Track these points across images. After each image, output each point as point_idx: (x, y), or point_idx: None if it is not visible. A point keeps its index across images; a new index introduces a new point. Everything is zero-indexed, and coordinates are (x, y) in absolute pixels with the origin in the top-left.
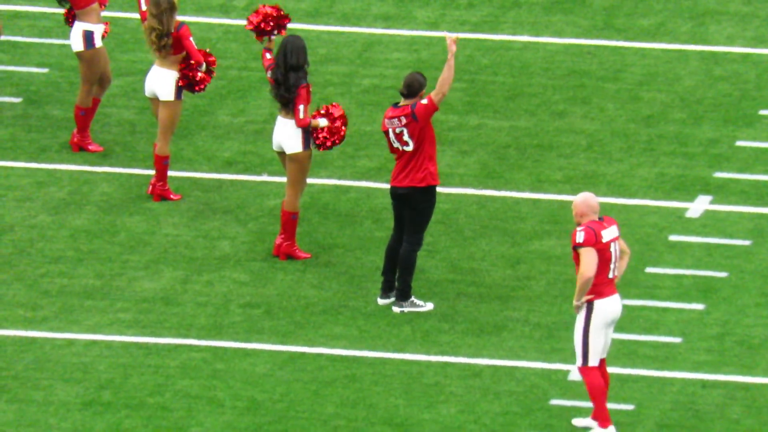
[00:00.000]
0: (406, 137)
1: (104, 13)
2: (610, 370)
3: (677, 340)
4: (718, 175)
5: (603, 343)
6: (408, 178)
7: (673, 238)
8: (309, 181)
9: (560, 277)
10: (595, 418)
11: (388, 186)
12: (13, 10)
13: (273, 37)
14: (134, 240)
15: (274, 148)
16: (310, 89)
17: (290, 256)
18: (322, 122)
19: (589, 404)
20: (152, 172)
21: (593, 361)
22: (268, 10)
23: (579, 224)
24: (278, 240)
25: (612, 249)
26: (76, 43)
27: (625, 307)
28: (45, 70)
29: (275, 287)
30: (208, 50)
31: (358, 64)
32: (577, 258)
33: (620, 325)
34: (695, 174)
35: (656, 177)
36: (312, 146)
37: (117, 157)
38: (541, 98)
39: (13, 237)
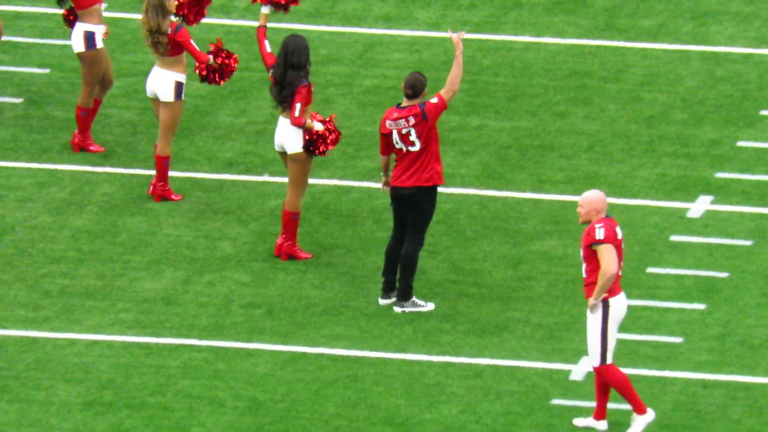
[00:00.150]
0: (413, 137)
1: (105, 14)
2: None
3: (678, 340)
4: (720, 175)
5: (615, 340)
6: (413, 178)
7: (674, 238)
8: (310, 181)
9: (561, 277)
10: (635, 409)
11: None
12: (14, 11)
13: (266, 11)
14: (135, 240)
15: (276, 148)
16: (312, 89)
17: (291, 257)
18: (317, 126)
19: (591, 404)
20: (153, 172)
21: (610, 359)
22: None
23: (589, 221)
24: (279, 240)
25: (622, 246)
26: (77, 44)
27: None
28: (46, 71)
29: (276, 287)
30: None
31: (359, 65)
32: (588, 255)
33: (621, 325)
34: (696, 174)
35: (657, 177)
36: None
37: (118, 158)
38: (542, 99)
39: (15, 237)
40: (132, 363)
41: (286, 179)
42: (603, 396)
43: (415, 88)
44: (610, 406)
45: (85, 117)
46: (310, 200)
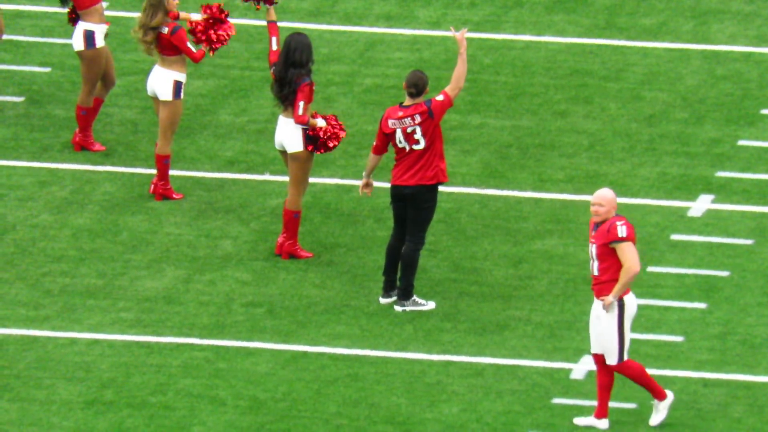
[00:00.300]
0: (418, 135)
1: (106, 13)
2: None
3: (679, 339)
4: (720, 174)
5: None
6: (417, 176)
7: (675, 237)
8: (311, 180)
9: (562, 276)
10: (655, 396)
11: (389, 185)
12: (15, 10)
13: (267, 6)
14: (136, 239)
15: (277, 146)
16: (314, 88)
17: (292, 256)
18: (320, 122)
19: (591, 403)
20: (154, 171)
21: (626, 356)
22: None
23: (606, 219)
24: (280, 239)
25: None
26: (78, 43)
27: None
28: (47, 70)
29: (277, 286)
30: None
31: (360, 64)
32: (604, 253)
33: None
34: (697, 173)
35: (658, 176)
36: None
37: (119, 157)
38: (543, 98)
39: (15, 236)
40: (133, 362)
41: (287, 178)
42: (605, 394)
43: (418, 87)
44: (612, 404)
45: (86, 116)
46: (311, 199)
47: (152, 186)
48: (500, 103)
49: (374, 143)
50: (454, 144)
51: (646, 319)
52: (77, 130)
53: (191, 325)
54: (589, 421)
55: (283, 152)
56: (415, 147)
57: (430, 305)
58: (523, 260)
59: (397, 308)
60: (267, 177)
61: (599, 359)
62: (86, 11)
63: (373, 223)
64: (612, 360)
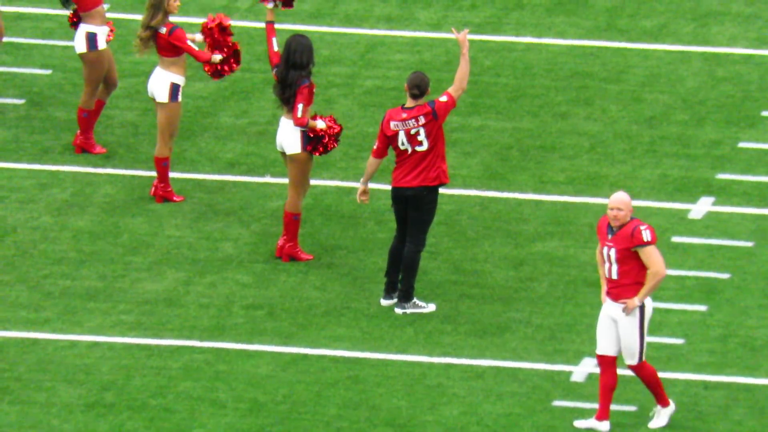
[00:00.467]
0: (421, 137)
1: (108, 15)
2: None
3: (680, 341)
4: (721, 176)
5: None
6: (419, 177)
7: (675, 239)
8: (311, 182)
9: (563, 278)
10: (659, 401)
11: (390, 187)
12: (16, 12)
13: (270, 6)
14: (137, 241)
15: (277, 148)
16: (314, 90)
17: (293, 258)
18: (320, 124)
19: (592, 405)
20: (155, 173)
21: (644, 357)
22: None
23: (624, 223)
24: (280, 241)
25: None
26: (79, 45)
27: None
28: (48, 72)
29: (278, 289)
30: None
31: (360, 66)
32: (626, 257)
33: None
34: (698, 175)
35: (659, 178)
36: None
37: (120, 159)
38: (543, 99)
39: (16, 238)
40: (133, 364)
41: (287, 180)
42: (607, 396)
43: (421, 88)
44: (612, 407)
45: (87, 118)
46: (312, 201)
47: (153, 188)
48: (501, 104)
49: (375, 146)
50: (455, 146)
51: (646, 322)
52: (78, 132)
53: (191, 327)
54: (590, 423)
55: (284, 154)
56: (418, 148)
57: (431, 307)
58: (523, 262)
59: (398, 310)
60: (268, 179)
61: (605, 360)
62: (88, 13)
63: (373, 225)
64: (632, 360)
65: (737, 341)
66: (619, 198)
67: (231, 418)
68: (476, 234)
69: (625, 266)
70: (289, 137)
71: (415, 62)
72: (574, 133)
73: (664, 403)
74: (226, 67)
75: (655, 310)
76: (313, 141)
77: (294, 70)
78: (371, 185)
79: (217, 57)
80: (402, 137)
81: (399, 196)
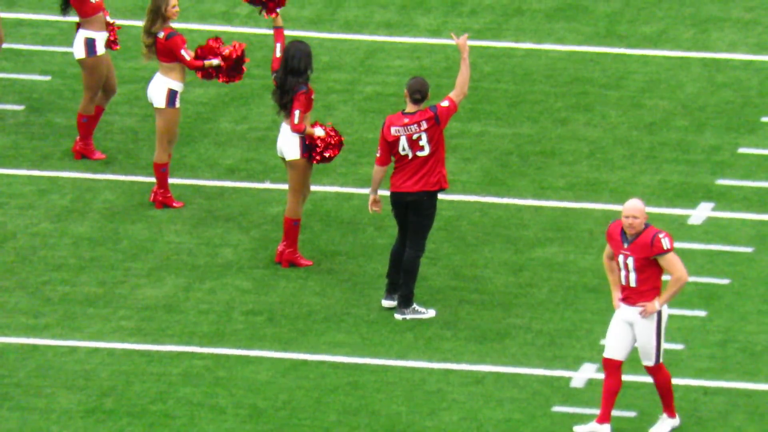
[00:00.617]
0: (423, 142)
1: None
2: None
3: (679, 346)
4: (721, 182)
5: None
6: (420, 182)
7: (675, 245)
8: (311, 188)
9: (563, 284)
10: (665, 409)
11: (388, 192)
12: (15, 18)
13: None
14: (136, 247)
15: (278, 154)
16: (312, 96)
17: (292, 264)
18: (318, 132)
19: (591, 411)
20: (154, 179)
21: (662, 359)
22: None
23: (639, 231)
24: (280, 247)
25: None
26: (78, 51)
27: None
28: (47, 78)
29: (277, 294)
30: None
31: (360, 72)
32: (645, 265)
33: None
34: (697, 181)
35: (659, 184)
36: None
37: (119, 165)
38: (543, 105)
39: (16, 244)
40: (133, 370)
41: (287, 186)
42: (610, 400)
43: (423, 93)
44: (612, 413)
45: (87, 124)
46: (311, 207)
47: (152, 194)
48: (501, 110)
49: (378, 155)
50: (455, 151)
51: None
52: (78, 138)
53: (191, 333)
54: (590, 427)
55: (284, 159)
56: (419, 153)
57: (431, 313)
58: (523, 268)
59: (398, 316)
60: (267, 185)
61: (612, 364)
62: (87, 20)
63: (373, 231)
64: (650, 362)
65: (737, 347)
66: (634, 205)
67: (231, 424)
68: (476, 240)
69: (643, 273)
70: (288, 143)
71: (415, 68)
72: (574, 138)
73: (671, 414)
74: (219, 76)
75: None
76: (310, 148)
77: (292, 76)
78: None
79: (214, 62)
80: (403, 142)
81: (399, 202)
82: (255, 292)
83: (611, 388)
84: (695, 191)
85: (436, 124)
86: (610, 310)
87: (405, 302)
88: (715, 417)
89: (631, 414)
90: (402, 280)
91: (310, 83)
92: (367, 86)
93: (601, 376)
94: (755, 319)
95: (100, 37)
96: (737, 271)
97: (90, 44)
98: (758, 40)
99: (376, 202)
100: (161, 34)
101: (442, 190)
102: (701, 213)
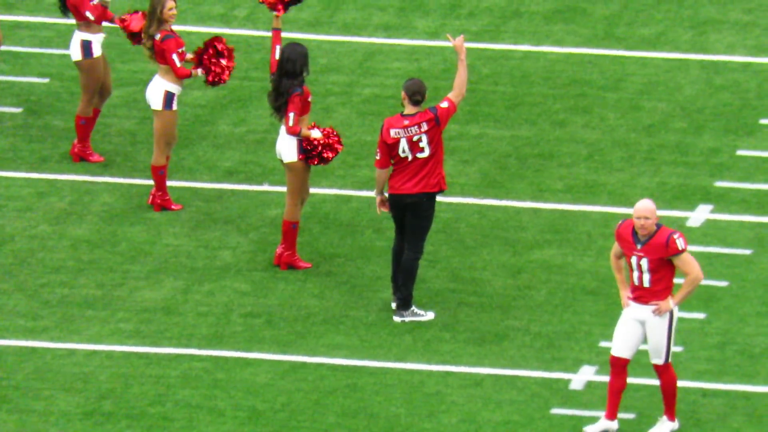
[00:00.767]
0: (423, 144)
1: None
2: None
3: (678, 349)
4: (719, 184)
5: None
6: (420, 184)
7: None
8: (310, 190)
9: (561, 286)
10: (667, 412)
11: (387, 195)
12: (13, 21)
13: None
14: (135, 250)
15: (277, 156)
16: (308, 98)
17: (291, 266)
18: (315, 133)
19: (590, 413)
20: (153, 182)
21: (671, 358)
22: None
23: (651, 232)
24: (279, 250)
25: None
26: (75, 53)
27: None
28: (45, 80)
29: (276, 297)
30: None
31: (358, 74)
32: (659, 266)
33: None
34: (696, 183)
35: (657, 186)
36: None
37: (118, 167)
38: (541, 107)
39: (14, 247)
40: (131, 373)
41: (285, 189)
42: (616, 398)
43: (422, 94)
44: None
45: (85, 126)
46: (310, 209)
47: (151, 197)
48: (499, 113)
49: (377, 158)
50: (453, 154)
51: None
52: (76, 140)
53: (190, 335)
54: (602, 424)
55: (282, 162)
56: (419, 155)
57: (429, 315)
58: (521, 270)
59: (396, 318)
60: (266, 187)
61: (619, 362)
62: (84, 22)
63: (372, 233)
64: (659, 360)
65: (735, 349)
66: (646, 206)
67: (229, 426)
68: (474, 242)
69: (657, 274)
70: (285, 145)
71: (413, 70)
72: (572, 141)
73: (671, 417)
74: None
75: None
76: (306, 150)
77: (287, 79)
78: (371, 193)
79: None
80: (403, 144)
81: (398, 203)
82: (254, 295)
83: (615, 385)
84: (694, 193)
85: (436, 125)
86: (608, 312)
87: (404, 304)
88: (714, 419)
89: (631, 416)
90: (401, 283)
91: (306, 85)
92: (365, 88)
93: (600, 378)
94: (754, 321)
95: (97, 39)
96: (736, 273)
97: (86, 46)
98: (756, 42)
99: (383, 202)
100: (158, 36)
101: (441, 191)
102: (700, 215)
